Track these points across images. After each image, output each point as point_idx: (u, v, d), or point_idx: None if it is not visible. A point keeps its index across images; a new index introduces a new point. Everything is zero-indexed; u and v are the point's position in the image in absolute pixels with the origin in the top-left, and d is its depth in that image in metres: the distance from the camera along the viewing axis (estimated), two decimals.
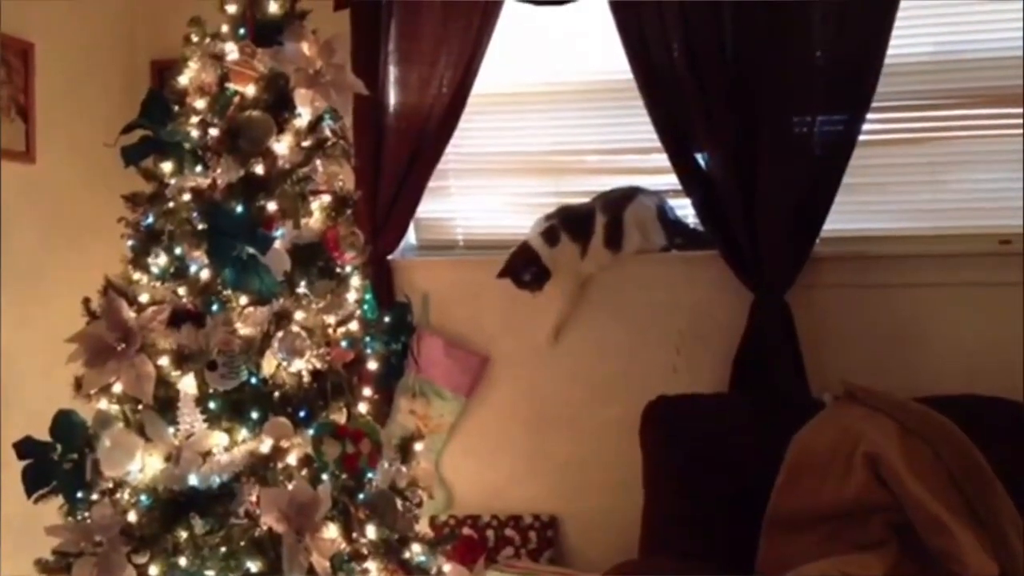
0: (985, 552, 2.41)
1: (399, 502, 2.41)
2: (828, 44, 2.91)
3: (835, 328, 3.00)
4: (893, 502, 2.51)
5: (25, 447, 2.25)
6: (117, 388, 2.24)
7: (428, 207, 3.32)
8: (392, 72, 3.19)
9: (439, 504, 3.18)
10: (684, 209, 3.14)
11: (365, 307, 2.51)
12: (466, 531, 3.15)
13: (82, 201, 3.13)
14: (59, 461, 2.24)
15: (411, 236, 3.36)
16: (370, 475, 2.33)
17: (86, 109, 3.18)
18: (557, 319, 3.17)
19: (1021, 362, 2.79)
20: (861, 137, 2.91)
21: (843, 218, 3.00)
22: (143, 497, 2.15)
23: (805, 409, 2.77)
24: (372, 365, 2.45)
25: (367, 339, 2.45)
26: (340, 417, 2.33)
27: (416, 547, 2.40)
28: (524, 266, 3.10)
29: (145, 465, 2.18)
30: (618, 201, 3.11)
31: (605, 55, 3.13)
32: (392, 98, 3.20)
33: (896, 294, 2.97)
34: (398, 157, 3.16)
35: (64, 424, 2.27)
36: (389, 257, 3.23)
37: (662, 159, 3.07)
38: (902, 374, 2.91)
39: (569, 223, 3.11)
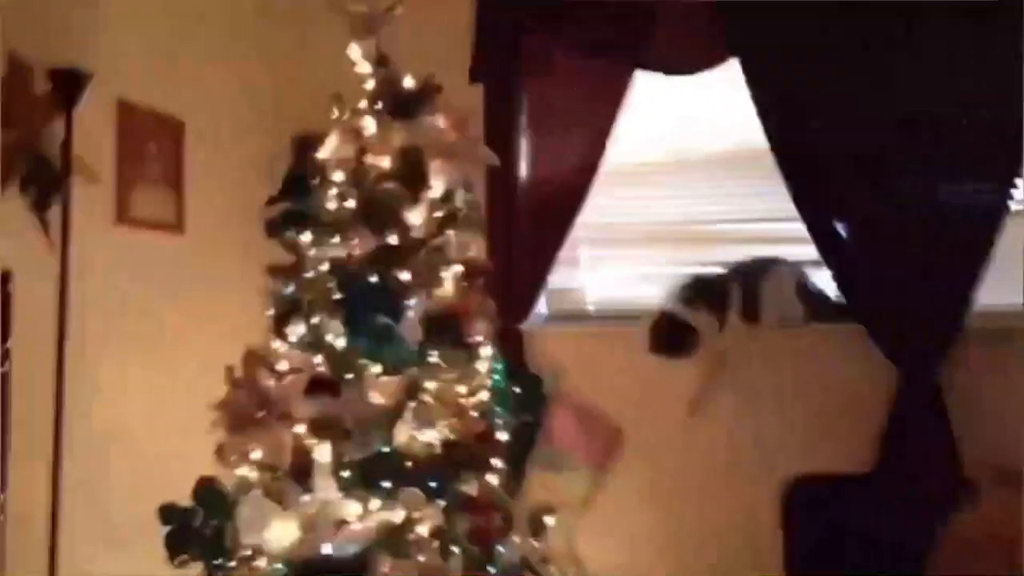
0: None
1: None
2: (973, 110, 2.81)
3: (989, 406, 2.85)
4: None
5: (169, 513, 2.30)
6: (256, 455, 2.29)
7: (560, 277, 3.31)
8: (525, 144, 3.23)
9: None
10: (825, 281, 3.05)
11: (496, 378, 2.51)
12: None
13: (227, 271, 3.22)
14: (200, 527, 2.30)
15: (543, 306, 3.36)
16: (501, 549, 2.31)
17: (232, 182, 3.30)
18: (696, 393, 3.11)
19: None
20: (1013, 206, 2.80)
21: (997, 292, 2.86)
22: (279, 565, 2.17)
23: (956, 491, 2.63)
24: (503, 436, 2.45)
25: (498, 410, 2.45)
26: (471, 489, 2.31)
27: None
28: (671, 334, 3.05)
29: (281, 533, 2.21)
30: (755, 272, 3.04)
31: (736, 123, 3.10)
32: (525, 170, 3.23)
33: None
34: (530, 228, 3.18)
35: (206, 490, 2.32)
36: (521, 327, 3.23)
37: (798, 228, 3.00)
38: None
39: (705, 294, 3.05)
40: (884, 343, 2.87)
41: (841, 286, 2.95)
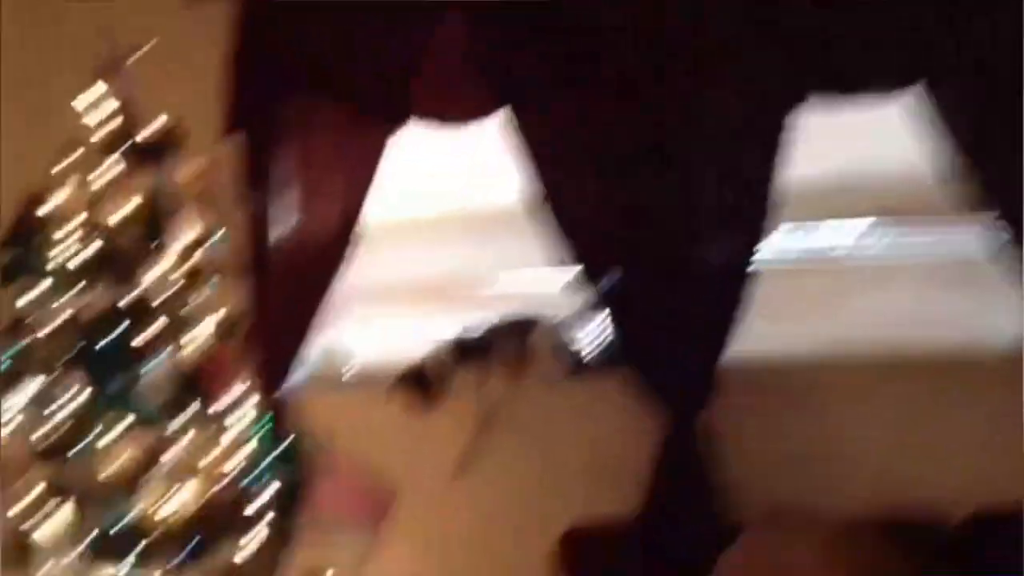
0: None
1: None
2: (723, 172, 2.94)
3: (753, 449, 2.86)
4: None
5: None
6: None
7: (325, 338, 3.18)
8: (284, 199, 3.11)
9: None
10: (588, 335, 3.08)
11: (256, 437, 2.36)
12: None
13: None
14: None
15: (306, 368, 3.21)
16: None
17: None
18: (461, 452, 3.04)
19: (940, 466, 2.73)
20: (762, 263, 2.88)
21: (753, 340, 2.88)
22: None
23: (725, 533, 2.65)
24: (264, 498, 2.29)
25: (257, 473, 2.30)
26: (231, 554, 2.14)
27: None
28: (415, 386, 3.00)
29: None
30: (519, 328, 3.05)
31: (496, 183, 3.10)
32: (283, 226, 3.10)
33: (808, 412, 2.88)
34: (290, 287, 3.04)
35: None
36: (282, 390, 3.06)
37: (563, 282, 2.99)
38: (824, 488, 2.78)
39: (468, 351, 3.02)
40: (647, 389, 2.88)
41: (615, 330, 2.94)
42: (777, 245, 2.96)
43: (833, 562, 2.49)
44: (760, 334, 2.93)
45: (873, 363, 2.88)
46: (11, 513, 2.00)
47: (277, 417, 2.95)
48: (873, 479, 2.82)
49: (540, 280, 3.15)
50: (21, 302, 2.20)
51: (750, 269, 2.85)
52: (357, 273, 3.15)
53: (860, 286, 3.00)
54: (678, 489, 2.80)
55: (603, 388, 2.97)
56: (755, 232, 2.88)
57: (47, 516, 2.04)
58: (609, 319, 2.96)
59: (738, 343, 2.87)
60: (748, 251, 2.86)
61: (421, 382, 3.00)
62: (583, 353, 3.05)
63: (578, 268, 2.95)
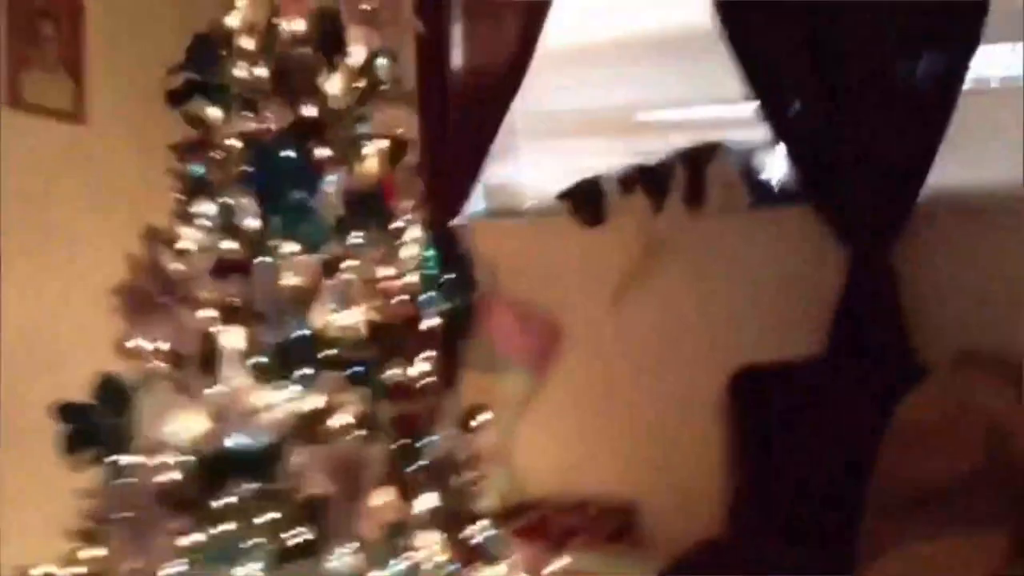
0: None
1: (462, 475, 2.24)
2: None
3: (945, 288, 2.73)
4: (1012, 475, 2.25)
5: (66, 411, 2.12)
6: (159, 344, 2.10)
7: (497, 170, 3.14)
8: (457, 27, 3.03)
9: (507, 485, 2.98)
10: (773, 166, 2.91)
11: (427, 262, 2.34)
12: (536, 515, 2.94)
13: (132, 163, 3.00)
14: (100, 423, 2.12)
15: (478, 200, 3.19)
16: (429, 441, 2.16)
17: (138, 69, 3.05)
18: (621, 279, 2.94)
19: None
20: (972, 82, 2.66)
21: (953, 170, 2.73)
22: (184, 458, 2.00)
23: (910, 376, 2.50)
24: (433, 323, 2.28)
25: (428, 295, 2.29)
26: (397, 375, 2.15)
27: (480, 524, 2.22)
28: (585, 198, 2.90)
29: (186, 426, 2.03)
30: (700, 156, 2.89)
31: (683, 2, 2.92)
32: (458, 54, 3.03)
33: (1012, 249, 2.68)
34: (464, 115, 2.99)
35: (105, 385, 2.12)
36: (454, 221, 3.05)
37: (746, 111, 2.82)
38: (1019, 336, 2.61)
39: (645, 176, 2.89)
40: (835, 224, 2.74)
41: (792, 166, 2.80)
42: (986, 65, 2.72)
43: None
44: (961, 164, 2.73)
45: None
46: (200, 318, 2.05)
47: (448, 244, 2.96)
48: None
49: (724, 111, 2.99)
50: (197, 122, 2.23)
51: (955, 91, 2.63)
52: (534, 101, 3.08)
53: None
54: (862, 328, 2.67)
55: (786, 222, 2.86)
56: (961, 51, 2.63)
57: (226, 330, 2.09)
58: (793, 152, 2.80)
59: (935, 173, 2.69)
60: (953, 71, 2.62)
61: (590, 196, 2.90)
62: (767, 183, 2.89)
63: (761, 98, 2.79)
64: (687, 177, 2.89)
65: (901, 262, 2.73)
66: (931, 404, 2.40)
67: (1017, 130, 2.79)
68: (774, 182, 2.91)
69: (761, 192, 2.90)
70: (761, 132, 2.84)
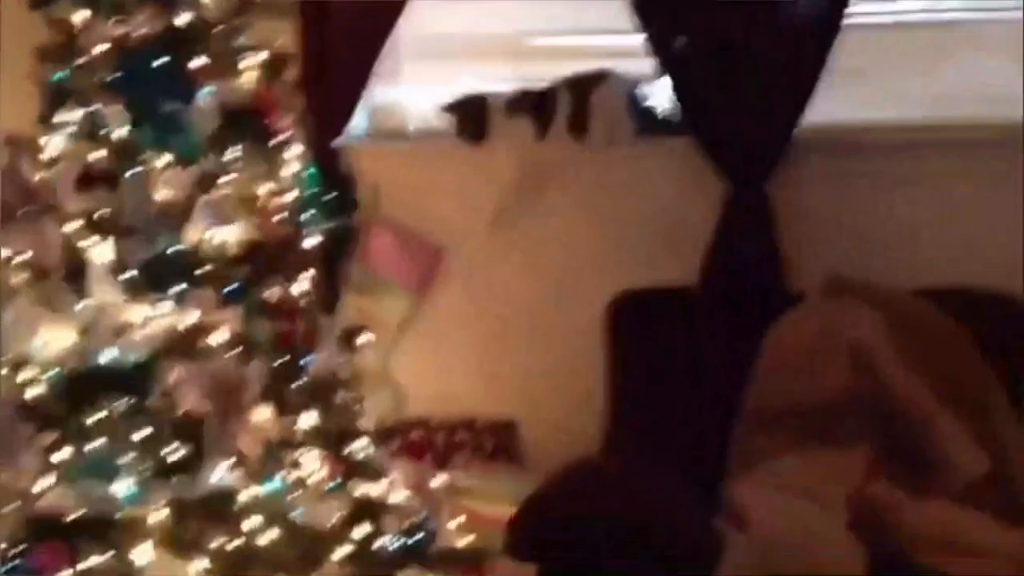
0: (975, 446, 2.27)
1: (341, 393, 2.23)
2: None
3: (819, 221, 2.81)
4: (877, 396, 2.37)
5: None
6: (21, 255, 2.02)
7: (381, 91, 3.07)
8: None
9: (387, 406, 2.98)
10: (656, 96, 2.92)
11: (306, 181, 2.30)
12: (416, 434, 2.96)
13: None
14: None
15: (360, 122, 3.13)
16: (307, 360, 2.14)
17: None
18: (500, 202, 2.93)
19: (1021, 254, 2.61)
20: (851, 20, 2.72)
21: (831, 107, 2.79)
22: (49, 374, 1.94)
23: (782, 303, 2.61)
24: (312, 243, 2.25)
25: (307, 214, 2.25)
26: (274, 295, 2.12)
27: (359, 442, 2.23)
28: (470, 113, 2.88)
29: (52, 340, 1.96)
30: (585, 84, 2.88)
31: None
32: None
33: (885, 185, 2.78)
34: (347, 33, 2.90)
35: None
36: (335, 143, 2.99)
37: (631, 41, 2.83)
38: (891, 269, 2.72)
39: (531, 101, 2.88)
40: (714, 156, 2.78)
41: (675, 99, 2.82)
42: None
43: (891, 328, 2.44)
44: (840, 99, 2.79)
45: (964, 139, 2.74)
46: (66, 231, 1.97)
47: (329, 164, 2.91)
48: (946, 263, 2.73)
49: (612, 41, 2.97)
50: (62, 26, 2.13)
51: (834, 27, 2.68)
52: (420, 21, 3.02)
53: (960, 47, 2.80)
54: (739, 257, 2.73)
55: (668, 153, 2.88)
56: None
57: (95, 244, 2.02)
58: (674, 84, 2.82)
59: (814, 109, 2.74)
60: (835, 6, 2.68)
61: (475, 112, 2.88)
62: (651, 114, 2.91)
63: (647, 30, 2.81)
64: (571, 105, 2.86)
65: (777, 195, 2.78)
66: (801, 328, 2.49)
67: (893, 68, 2.89)
68: (657, 113, 2.92)
69: (644, 123, 2.89)
70: (647, 64, 2.85)
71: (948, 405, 2.39)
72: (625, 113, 2.88)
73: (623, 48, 2.95)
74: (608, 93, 2.88)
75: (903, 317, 2.50)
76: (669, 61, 2.82)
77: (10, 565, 1.84)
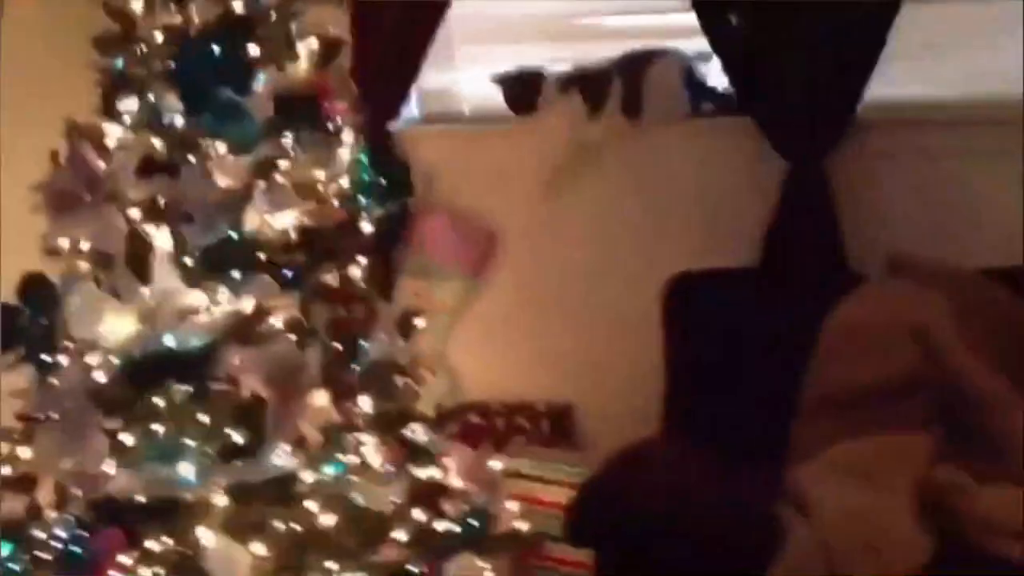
0: None
1: (398, 378, 2.24)
2: None
3: (880, 200, 2.76)
4: (942, 380, 2.32)
5: None
6: (85, 243, 2.05)
7: (433, 76, 3.08)
8: None
9: (444, 391, 2.98)
10: (713, 73, 2.88)
11: (361, 166, 2.30)
12: (474, 419, 2.96)
13: (53, 57, 2.85)
14: (27, 326, 2.07)
15: (414, 106, 3.14)
16: (365, 344, 2.14)
17: None
18: (551, 177, 2.91)
19: None
20: None
21: (891, 82, 2.74)
22: (114, 360, 1.97)
23: (843, 285, 2.57)
24: (367, 227, 2.26)
25: (362, 199, 2.25)
26: (332, 280, 2.13)
27: (417, 426, 2.23)
28: (522, 85, 2.87)
29: (116, 326, 1.98)
30: (639, 62, 2.86)
31: None
32: None
33: (947, 163, 2.73)
34: (399, 17, 2.92)
35: (31, 285, 2.09)
36: (390, 125, 3.00)
37: (686, 20, 2.79)
38: (953, 249, 2.67)
39: (584, 80, 2.86)
40: (772, 135, 2.74)
41: (730, 76, 2.79)
42: None
43: (955, 309, 2.39)
44: (901, 75, 2.73)
45: None
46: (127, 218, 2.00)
47: (383, 149, 2.91)
48: (1011, 241, 2.66)
49: (665, 20, 2.95)
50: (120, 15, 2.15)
51: (895, 2, 2.62)
52: (473, 4, 3.01)
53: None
54: (798, 238, 2.69)
55: (724, 132, 2.86)
56: None
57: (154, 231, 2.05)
58: (729, 63, 2.78)
59: (875, 85, 2.69)
60: None
61: (527, 84, 2.87)
62: (708, 91, 2.88)
63: (700, 9, 2.77)
64: (625, 84, 2.84)
65: (837, 174, 2.74)
66: (863, 310, 2.45)
67: (956, 44, 2.83)
68: (715, 92, 2.89)
69: (701, 102, 2.87)
70: (700, 42, 2.82)
71: (1014, 388, 2.34)
72: (680, 92, 2.85)
73: (677, 27, 2.93)
74: (663, 72, 2.84)
75: (968, 298, 2.45)
76: (723, 39, 2.78)
77: (75, 548, 1.88)
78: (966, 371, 2.35)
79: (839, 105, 2.73)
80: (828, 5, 2.67)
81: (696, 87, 2.87)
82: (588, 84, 2.86)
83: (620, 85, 2.84)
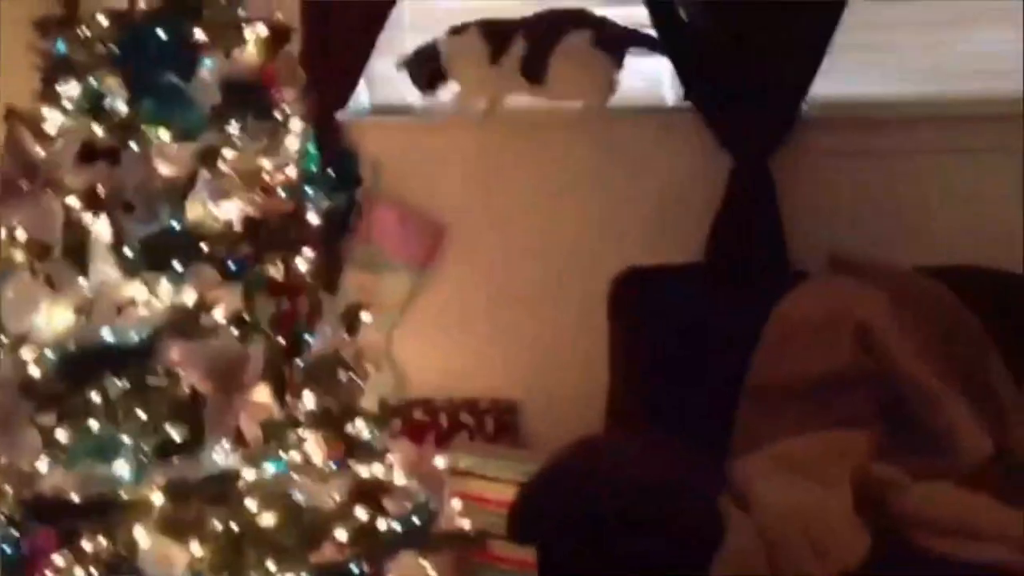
0: (980, 427, 2.26)
1: (342, 373, 2.21)
2: None
3: (823, 197, 2.81)
4: (882, 375, 2.36)
5: None
6: (22, 235, 1.99)
7: (383, 66, 3.04)
8: None
9: (389, 385, 2.96)
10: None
11: (308, 156, 2.27)
12: (418, 415, 2.95)
13: None
14: None
15: (363, 96, 3.11)
16: (309, 338, 2.11)
17: None
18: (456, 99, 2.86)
19: (1021, 232, 2.61)
20: None
21: (835, 80, 2.79)
22: (49, 353, 1.91)
23: (786, 281, 2.61)
24: (314, 219, 2.22)
25: (309, 190, 2.22)
26: (276, 272, 2.09)
27: (359, 422, 2.20)
28: (421, 61, 2.82)
29: (52, 318, 1.93)
30: (548, 34, 2.75)
31: None
32: None
33: (889, 161, 2.78)
34: (348, 6, 2.88)
35: None
36: (337, 117, 2.96)
37: (638, 12, 2.80)
38: (895, 246, 2.72)
39: (486, 27, 2.80)
40: (719, 130, 2.77)
41: (679, 72, 2.82)
42: None
43: (895, 306, 2.43)
44: (845, 72, 2.78)
45: (967, 114, 2.72)
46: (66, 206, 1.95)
47: (330, 139, 2.88)
48: (949, 241, 2.72)
49: (615, 14, 2.87)
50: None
51: (836, 5, 2.66)
52: None
53: (971, 21, 2.77)
54: (742, 234, 2.72)
55: (671, 128, 2.87)
56: None
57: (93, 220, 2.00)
58: (678, 57, 2.79)
59: (819, 83, 2.74)
60: None
61: (426, 59, 2.81)
62: (626, 39, 2.80)
63: (650, 4, 2.77)
64: (527, 50, 2.74)
65: (782, 170, 2.77)
66: (806, 305, 2.49)
67: (898, 43, 2.87)
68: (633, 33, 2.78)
69: (622, 51, 2.73)
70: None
71: (953, 385, 2.39)
72: (595, 56, 2.73)
73: (626, 20, 2.88)
74: (570, 47, 2.73)
75: (907, 295, 2.50)
76: (672, 35, 2.79)
77: (6, 547, 1.83)
78: (906, 367, 2.39)
79: (785, 102, 2.76)
80: (776, 3, 2.70)
81: (613, 41, 2.76)
82: (494, 32, 2.80)
83: (521, 48, 2.77)
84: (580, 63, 2.74)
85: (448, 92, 2.89)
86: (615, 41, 2.77)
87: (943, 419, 2.34)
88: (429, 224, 3.00)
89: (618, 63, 2.75)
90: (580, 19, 2.79)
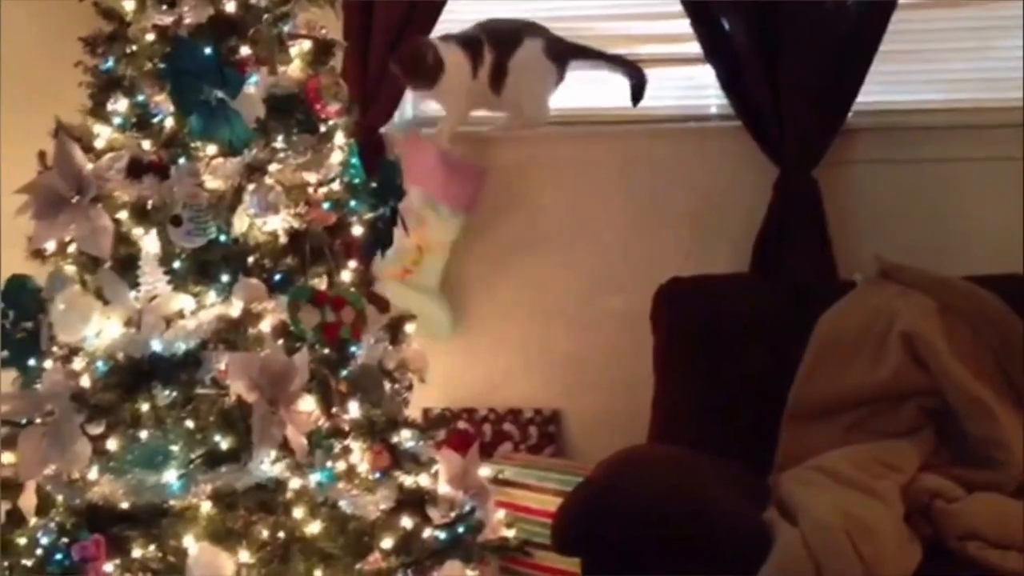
0: None
1: (387, 383, 2.22)
2: None
3: (868, 206, 2.79)
4: (930, 385, 2.33)
5: None
6: (73, 248, 2.04)
7: None
8: None
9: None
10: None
11: (351, 168, 2.29)
12: (461, 425, 2.96)
13: (42, 56, 2.83)
14: (11, 328, 2.05)
15: (406, 109, 3.12)
16: (353, 349, 2.13)
17: None
18: (441, 126, 2.91)
19: None
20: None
21: (879, 88, 2.77)
22: (99, 363, 1.95)
23: (832, 291, 2.57)
24: (357, 231, 2.24)
25: (352, 202, 2.24)
26: (320, 283, 2.11)
27: (405, 432, 2.22)
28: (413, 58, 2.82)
29: (103, 330, 1.97)
30: (506, 43, 2.82)
31: None
32: None
33: (935, 169, 2.75)
34: (390, 19, 2.90)
35: (16, 288, 2.06)
36: (381, 130, 2.98)
37: (683, 26, 2.82)
38: (939, 254, 2.69)
39: (460, 41, 2.85)
40: (763, 141, 2.76)
41: (723, 82, 2.80)
42: None
43: (943, 316, 2.40)
44: (892, 82, 2.76)
45: (1018, 121, 2.67)
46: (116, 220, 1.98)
47: (374, 152, 2.90)
48: (998, 249, 2.68)
49: (660, 28, 2.94)
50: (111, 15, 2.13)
51: (886, 11, 2.64)
52: (463, 8, 2.98)
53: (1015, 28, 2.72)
54: (788, 244, 2.71)
55: (715, 139, 2.86)
56: None
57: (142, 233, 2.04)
58: (723, 69, 2.79)
59: (865, 91, 2.72)
60: None
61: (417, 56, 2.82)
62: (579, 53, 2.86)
63: (693, 15, 2.77)
64: (493, 61, 2.81)
65: (827, 180, 2.76)
66: (852, 316, 2.46)
67: (945, 51, 2.85)
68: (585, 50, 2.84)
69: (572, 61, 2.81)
70: (694, 48, 2.83)
71: (1001, 396, 2.35)
72: (546, 68, 2.80)
73: (671, 34, 2.93)
74: (525, 56, 2.80)
75: (956, 304, 2.46)
76: (716, 46, 2.79)
77: (57, 555, 1.86)
78: (954, 378, 2.35)
79: (830, 112, 2.74)
80: (820, 12, 2.69)
81: (566, 52, 2.84)
82: (465, 45, 2.84)
83: (490, 60, 2.83)
84: (531, 74, 2.82)
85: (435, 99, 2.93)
86: (565, 52, 2.84)
87: (993, 429, 2.30)
88: (470, 168, 2.98)
89: (562, 76, 2.83)
90: (532, 28, 2.86)
